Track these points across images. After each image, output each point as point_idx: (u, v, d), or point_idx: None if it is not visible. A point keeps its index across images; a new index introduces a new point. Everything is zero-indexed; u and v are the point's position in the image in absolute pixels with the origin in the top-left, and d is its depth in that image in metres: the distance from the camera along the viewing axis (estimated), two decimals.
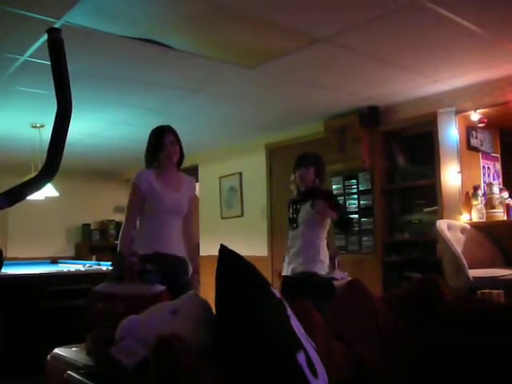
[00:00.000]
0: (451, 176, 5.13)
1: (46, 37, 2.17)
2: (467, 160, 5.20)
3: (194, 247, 3.95)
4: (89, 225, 9.86)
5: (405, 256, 5.50)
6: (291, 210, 4.12)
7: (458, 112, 5.13)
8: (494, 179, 5.41)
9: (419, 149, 5.65)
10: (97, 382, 1.65)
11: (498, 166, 5.59)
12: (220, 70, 4.47)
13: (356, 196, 5.90)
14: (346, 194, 5.96)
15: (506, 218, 4.93)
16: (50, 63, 2.14)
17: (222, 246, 1.65)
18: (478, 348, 1.98)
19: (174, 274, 3.46)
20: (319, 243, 4.00)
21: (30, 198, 2.51)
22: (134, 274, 3.01)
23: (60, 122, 2.05)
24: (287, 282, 4.01)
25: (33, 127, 6.05)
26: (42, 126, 6.02)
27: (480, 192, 5.04)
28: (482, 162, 5.40)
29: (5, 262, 4.50)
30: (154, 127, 3.72)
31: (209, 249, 7.58)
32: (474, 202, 5.02)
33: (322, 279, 3.92)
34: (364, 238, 5.78)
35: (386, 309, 2.20)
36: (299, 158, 4.21)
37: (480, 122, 5.10)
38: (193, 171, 7.76)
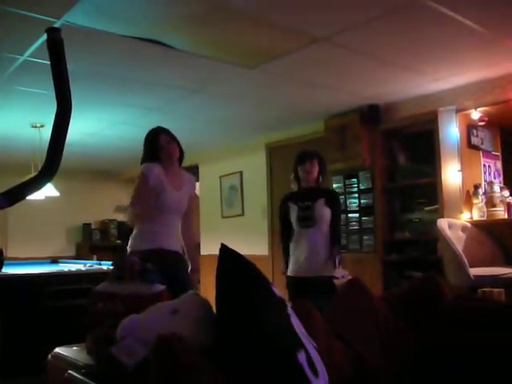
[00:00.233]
0: (452, 174, 5.13)
1: (45, 36, 2.17)
2: (468, 158, 5.19)
3: (193, 245, 4.00)
4: (89, 224, 9.86)
5: (405, 255, 5.50)
6: (300, 207, 4.09)
7: (458, 110, 5.12)
8: (494, 178, 5.41)
9: (420, 147, 5.65)
10: (97, 381, 1.65)
11: (499, 164, 5.59)
12: (220, 70, 4.47)
13: (356, 195, 5.89)
14: (347, 193, 5.95)
15: (506, 216, 4.93)
16: (49, 63, 2.13)
17: (222, 245, 1.65)
18: (479, 347, 1.98)
19: (175, 271, 3.49)
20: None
21: (30, 197, 2.51)
22: (134, 274, 3.00)
23: (60, 121, 2.05)
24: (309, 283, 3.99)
25: (33, 127, 6.05)
26: (41, 126, 6.02)
27: (481, 190, 5.04)
28: (482, 160, 5.40)
29: (5, 262, 4.51)
30: (147, 132, 3.74)
31: (209, 248, 7.59)
32: (475, 201, 5.01)
33: (323, 278, 3.93)
34: (364, 237, 5.78)
35: (387, 308, 2.19)
36: (302, 153, 4.26)
37: (480, 120, 5.10)
38: (193, 170, 7.76)
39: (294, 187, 4.31)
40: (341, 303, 2.26)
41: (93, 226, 9.91)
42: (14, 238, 8.71)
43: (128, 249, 3.67)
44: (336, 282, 3.84)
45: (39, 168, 2.21)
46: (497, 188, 5.02)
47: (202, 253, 8.00)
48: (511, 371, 1.90)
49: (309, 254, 4.00)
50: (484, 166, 5.40)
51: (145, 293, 2.67)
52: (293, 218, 4.12)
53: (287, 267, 4.17)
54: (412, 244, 5.50)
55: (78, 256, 9.16)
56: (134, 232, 3.70)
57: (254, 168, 7.35)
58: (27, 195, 2.03)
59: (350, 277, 3.80)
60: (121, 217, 10.17)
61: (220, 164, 7.99)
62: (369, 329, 2.06)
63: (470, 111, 5.10)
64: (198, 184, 8.48)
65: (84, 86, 4.64)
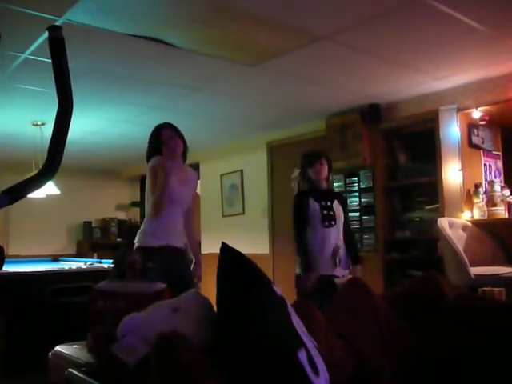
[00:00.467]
0: (452, 174, 5.13)
1: (46, 34, 2.17)
2: (468, 158, 5.19)
3: (195, 241, 4.06)
4: (90, 222, 9.86)
5: (406, 254, 5.50)
6: (322, 206, 4.07)
7: (459, 109, 5.12)
8: (495, 177, 5.41)
9: (420, 146, 5.65)
10: (98, 379, 1.66)
11: (500, 163, 5.59)
12: (221, 68, 4.47)
13: (357, 194, 5.89)
14: (348, 192, 5.95)
15: (507, 215, 4.93)
16: (51, 61, 2.13)
17: (223, 243, 1.65)
18: (480, 346, 1.98)
19: (179, 268, 3.60)
20: None
21: (31, 195, 2.51)
22: (135, 272, 3.01)
23: (61, 119, 2.05)
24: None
25: (34, 125, 6.06)
26: (43, 124, 6.02)
27: (481, 190, 5.04)
28: (483, 159, 5.40)
29: (6, 260, 4.50)
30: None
31: (210, 247, 7.58)
32: (476, 200, 5.01)
33: (324, 277, 3.93)
34: (365, 236, 5.78)
35: (388, 307, 2.20)
36: (310, 155, 4.25)
37: (481, 119, 5.09)
38: (194, 169, 7.76)
39: (294, 186, 4.32)
40: (342, 302, 2.26)
41: (93, 224, 9.91)
42: (15, 235, 8.71)
43: (136, 243, 3.67)
44: (337, 280, 3.84)
45: (40, 166, 2.21)
46: (497, 187, 5.02)
47: (202, 251, 7.98)
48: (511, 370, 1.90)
49: (331, 253, 4.00)
50: (485, 165, 5.40)
51: (145, 291, 2.67)
52: (314, 216, 4.03)
53: (308, 267, 4.00)
54: (413, 243, 5.50)
55: (79, 254, 9.16)
56: (142, 227, 3.71)
57: (255, 166, 7.35)
58: (28, 193, 2.03)
59: (350, 276, 3.81)
60: (121, 215, 10.18)
61: (221, 162, 7.99)
62: (370, 327, 2.06)
63: (471, 110, 5.09)
64: (198, 182, 8.49)
65: (85, 84, 4.65)
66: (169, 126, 3.71)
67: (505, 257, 4.71)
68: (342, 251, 4.06)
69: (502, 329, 1.99)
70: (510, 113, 5.07)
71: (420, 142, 5.66)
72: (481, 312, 2.13)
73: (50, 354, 2.10)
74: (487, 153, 5.44)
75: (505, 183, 5.30)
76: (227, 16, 3.47)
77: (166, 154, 3.62)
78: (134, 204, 10.07)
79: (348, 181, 5.98)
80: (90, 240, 9.70)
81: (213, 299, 1.70)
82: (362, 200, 5.86)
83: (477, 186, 5.04)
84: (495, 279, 4.13)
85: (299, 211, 4.11)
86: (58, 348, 2.11)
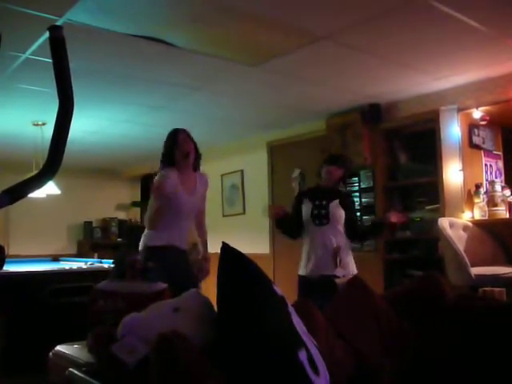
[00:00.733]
0: (453, 174, 5.12)
1: (47, 34, 2.17)
2: (469, 158, 5.19)
3: (205, 238, 4.35)
4: (90, 222, 9.86)
5: (406, 254, 5.50)
6: (315, 205, 4.09)
7: (459, 109, 5.11)
8: (496, 177, 5.40)
9: (421, 146, 5.64)
10: (98, 379, 1.66)
11: (500, 163, 5.58)
12: (222, 68, 4.47)
13: (358, 194, 5.89)
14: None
15: (508, 215, 4.92)
16: (51, 61, 2.13)
17: (223, 243, 1.65)
18: (480, 346, 1.98)
19: (182, 267, 3.75)
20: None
21: (31, 195, 2.51)
22: (135, 272, 3.01)
23: (62, 119, 2.05)
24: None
25: (34, 125, 6.06)
26: (43, 124, 6.02)
27: (482, 190, 5.04)
28: (484, 159, 5.39)
29: (6, 260, 4.50)
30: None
31: (210, 246, 7.55)
32: (476, 200, 5.01)
33: (324, 277, 3.93)
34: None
35: (388, 307, 2.20)
36: (334, 156, 4.31)
37: (482, 119, 5.09)
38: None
39: (294, 186, 4.32)
40: (342, 302, 2.26)
41: (94, 224, 9.91)
42: (15, 235, 8.71)
43: (140, 246, 3.78)
44: (337, 280, 3.84)
45: (41, 166, 2.21)
46: (498, 187, 5.01)
47: None
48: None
49: (323, 253, 4.00)
50: (485, 165, 5.39)
51: (146, 291, 2.67)
52: (305, 214, 4.10)
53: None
54: (413, 243, 5.50)
55: (79, 254, 9.16)
56: (147, 231, 3.82)
57: (256, 166, 7.35)
58: (28, 193, 2.03)
59: (351, 276, 3.81)
60: (122, 215, 10.18)
61: (221, 162, 7.98)
62: (370, 327, 2.06)
63: (472, 110, 5.09)
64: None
65: (86, 83, 4.65)
66: (184, 131, 3.86)
67: (505, 257, 4.71)
68: (342, 251, 4.05)
69: (502, 329, 1.99)
70: (511, 113, 5.06)
71: (420, 142, 5.66)
72: (481, 312, 2.13)
73: (51, 353, 2.10)
74: (488, 153, 5.44)
75: (505, 183, 5.29)
76: (228, 16, 3.47)
77: (179, 159, 3.71)
78: (134, 204, 10.07)
79: (348, 181, 5.97)
80: (90, 240, 9.70)
81: (213, 299, 1.70)
82: (363, 200, 5.86)
83: (477, 186, 5.03)
84: (496, 279, 4.13)
85: (292, 205, 4.31)
86: (58, 348, 2.11)
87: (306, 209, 4.10)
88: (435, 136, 5.25)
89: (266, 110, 5.98)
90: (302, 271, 4.11)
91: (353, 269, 4.05)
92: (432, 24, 3.65)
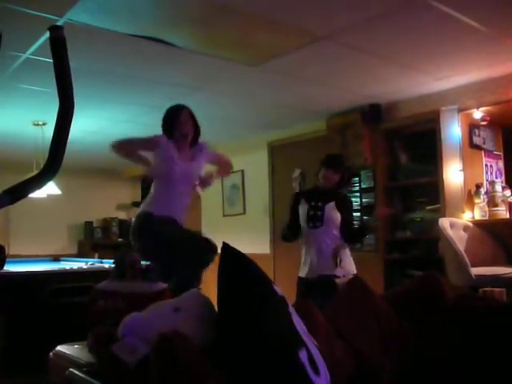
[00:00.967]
0: (453, 174, 5.12)
1: (48, 34, 2.17)
2: (470, 158, 5.19)
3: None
4: (91, 222, 9.86)
5: (407, 254, 5.50)
6: (311, 206, 4.07)
7: (460, 110, 5.12)
8: (496, 177, 5.40)
9: (421, 146, 5.64)
10: (99, 379, 1.66)
11: (501, 163, 5.58)
12: (222, 68, 4.47)
13: (358, 194, 5.90)
14: (349, 192, 5.94)
15: (508, 216, 4.92)
16: (52, 61, 2.13)
17: (224, 243, 1.65)
18: (480, 346, 1.98)
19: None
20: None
21: (32, 195, 2.51)
22: (135, 272, 3.01)
23: (62, 119, 2.05)
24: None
25: (35, 125, 6.06)
26: (44, 124, 6.02)
27: (482, 190, 5.04)
28: (484, 160, 5.39)
29: (7, 260, 4.50)
30: (169, 106, 3.80)
31: None
32: (477, 200, 5.01)
33: (324, 277, 3.93)
34: (366, 236, 5.78)
35: (388, 307, 2.20)
36: (332, 158, 4.23)
37: (482, 119, 5.09)
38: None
39: (295, 186, 4.31)
40: (342, 302, 2.26)
41: (94, 224, 9.91)
42: (15, 235, 8.71)
43: (141, 208, 3.77)
44: (337, 280, 3.84)
45: (41, 166, 2.21)
46: (498, 188, 5.01)
47: None
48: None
49: (319, 255, 4.00)
50: (486, 165, 5.39)
51: (146, 291, 2.68)
52: (302, 215, 4.10)
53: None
54: (413, 243, 5.50)
55: (80, 254, 9.16)
56: (148, 198, 3.79)
57: (256, 166, 7.35)
58: (29, 193, 2.04)
59: (351, 276, 3.80)
60: (122, 215, 10.18)
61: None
62: (370, 327, 2.06)
63: (472, 111, 5.09)
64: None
65: (86, 83, 4.65)
66: (186, 110, 3.74)
67: (505, 257, 4.71)
68: (342, 252, 4.05)
69: (502, 329, 1.99)
70: (511, 113, 5.06)
71: (421, 142, 5.66)
72: (481, 312, 2.13)
73: (51, 353, 2.10)
74: (488, 153, 5.43)
75: (506, 183, 5.29)
76: (228, 16, 3.47)
77: (178, 137, 3.67)
78: (134, 204, 10.05)
79: (348, 182, 5.97)
80: (90, 240, 9.69)
81: (213, 299, 1.70)
82: (363, 200, 5.86)
83: (478, 187, 5.03)
84: (496, 279, 4.13)
85: (291, 204, 4.28)
86: (58, 348, 2.11)
87: (303, 210, 4.09)
88: (436, 136, 5.25)
89: (267, 110, 5.98)
90: (300, 273, 4.12)
91: (352, 269, 4.04)
92: (432, 24, 3.65)
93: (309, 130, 6.41)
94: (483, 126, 5.25)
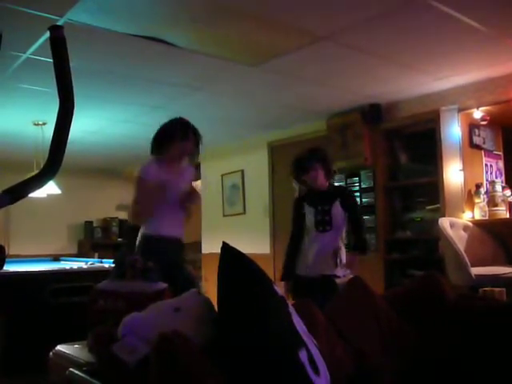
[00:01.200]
0: (453, 174, 5.12)
1: (48, 34, 2.17)
2: (470, 158, 5.19)
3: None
4: (91, 222, 9.86)
5: (407, 254, 5.50)
6: (318, 211, 4.05)
7: (460, 110, 5.12)
8: (496, 177, 5.40)
9: (421, 146, 5.64)
10: (98, 379, 1.66)
11: (501, 163, 5.58)
12: (222, 68, 4.47)
13: (358, 194, 5.89)
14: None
15: (508, 215, 4.92)
16: (52, 61, 2.13)
17: (224, 243, 1.65)
18: (480, 346, 1.98)
19: (180, 260, 3.79)
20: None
21: (32, 195, 2.51)
22: (136, 272, 3.01)
23: (62, 119, 2.05)
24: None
25: (35, 125, 6.06)
26: (44, 124, 6.02)
27: (482, 190, 5.04)
28: (484, 159, 5.39)
29: (7, 260, 4.50)
30: (178, 118, 3.77)
31: (211, 246, 7.60)
32: (477, 200, 5.01)
33: (325, 277, 3.93)
34: (366, 236, 5.77)
35: (388, 306, 2.20)
36: (301, 162, 4.17)
37: (482, 119, 5.09)
38: (195, 169, 7.77)
39: (295, 186, 4.30)
40: (342, 301, 2.26)
41: (94, 224, 9.91)
42: (15, 235, 8.71)
43: (146, 233, 3.75)
44: (338, 280, 3.84)
45: (41, 166, 2.21)
46: (498, 187, 5.02)
47: (203, 251, 8.01)
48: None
49: (318, 255, 3.99)
50: (486, 165, 5.39)
51: (146, 291, 2.67)
52: (309, 220, 4.08)
53: (287, 272, 4.15)
54: (413, 243, 5.50)
55: (80, 254, 9.16)
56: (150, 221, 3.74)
57: (256, 166, 7.35)
58: (29, 193, 2.03)
59: (351, 275, 3.81)
60: (122, 215, 10.17)
61: (222, 162, 7.98)
62: (370, 327, 2.06)
63: (472, 110, 5.09)
64: (199, 182, 8.48)
65: (86, 83, 4.65)
66: (193, 130, 3.74)
67: (505, 257, 4.71)
68: (342, 252, 4.06)
69: (502, 329, 1.99)
70: (511, 113, 5.06)
71: (421, 142, 5.66)
72: (481, 312, 2.13)
73: (51, 353, 2.10)
74: (488, 153, 5.44)
75: (506, 183, 5.29)
76: (228, 16, 3.47)
77: (175, 155, 3.64)
78: None
79: (349, 181, 5.98)
80: (90, 240, 9.70)
81: (214, 299, 1.70)
82: (363, 200, 5.86)
83: (478, 186, 5.04)
84: (496, 279, 4.13)
85: (293, 215, 4.26)
86: (58, 348, 2.11)
87: (310, 216, 4.08)
88: (436, 136, 5.25)
89: (267, 110, 5.98)
90: (298, 270, 4.10)
91: (334, 269, 4.02)
92: (432, 24, 3.65)
93: (309, 130, 6.41)
94: (483, 125, 5.25)
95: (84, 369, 1.78)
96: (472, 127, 5.22)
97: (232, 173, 7.77)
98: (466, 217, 5.02)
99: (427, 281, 2.37)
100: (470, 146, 5.22)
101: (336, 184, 4.38)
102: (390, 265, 5.58)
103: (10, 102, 5.36)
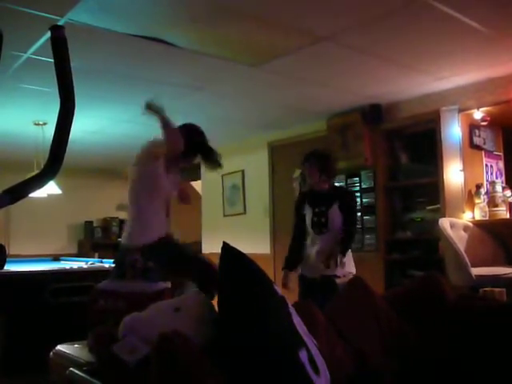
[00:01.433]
0: (454, 174, 5.12)
1: (49, 34, 2.18)
2: (470, 158, 5.19)
3: None
4: (91, 222, 9.86)
5: (407, 254, 5.49)
6: (315, 213, 4.06)
7: (460, 110, 5.11)
8: (496, 177, 5.40)
9: (422, 147, 5.64)
10: (99, 378, 1.66)
11: (501, 164, 5.58)
12: (222, 68, 4.47)
13: (358, 194, 5.89)
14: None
15: (508, 216, 4.92)
16: (53, 61, 2.14)
17: (224, 243, 1.65)
18: (480, 346, 1.98)
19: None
20: None
21: (32, 195, 2.51)
22: (136, 272, 3.01)
23: (63, 119, 2.05)
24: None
25: (35, 124, 6.06)
26: (44, 124, 6.02)
27: (483, 190, 5.04)
28: (484, 160, 5.39)
29: (7, 259, 4.50)
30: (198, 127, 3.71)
31: (211, 246, 7.60)
32: (477, 201, 5.01)
33: (325, 277, 3.93)
34: (366, 236, 5.78)
35: (388, 306, 2.20)
36: (305, 154, 4.21)
37: (483, 120, 5.09)
38: (195, 169, 7.76)
39: (295, 186, 4.30)
40: (342, 302, 2.26)
41: (95, 224, 9.91)
42: (16, 235, 8.72)
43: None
44: (338, 280, 3.84)
45: (42, 166, 2.21)
46: (499, 188, 5.01)
47: (203, 251, 8.00)
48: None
49: (318, 256, 4.00)
50: (486, 165, 5.39)
51: (147, 291, 2.68)
52: (307, 220, 4.10)
53: (289, 266, 4.15)
54: (414, 243, 5.50)
55: (80, 254, 9.16)
56: (138, 224, 3.48)
57: (256, 167, 7.35)
58: (29, 193, 2.04)
59: (351, 276, 3.81)
60: (122, 215, 10.16)
61: (222, 162, 7.96)
62: (370, 327, 2.06)
63: (473, 111, 5.09)
64: (199, 182, 8.48)
65: (86, 83, 4.64)
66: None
67: (506, 257, 4.71)
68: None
69: (502, 329, 1.99)
70: (511, 113, 5.06)
71: (421, 142, 5.66)
72: (481, 312, 2.13)
73: (51, 353, 2.10)
74: (488, 153, 5.43)
75: (506, 184, 5.29)
76: (229, 16, 3.47)
77: (186, 160, 3.60)
78: None
79: (349, 181, 5.98)
80: (91, 240, 9.70)
81: (214, 299, 1.70)
82: (363, 200, 5.86)
83: (478, 187, 5.03)
84: (496, 279, 4.13)
85: (295, 214, 4.26)
86: (59, 347, 2.11)
87: (308, 216, 4.10)
88: (436, 136, 5.25)
89: (267, 111, 5.98)
90: (301, 270, 4.12)
91: (352, 269, 4.04)
92: (433, 25, 3.65)
93: (309, 130, 6.41)
94: (483, 126, 5.25)
95: (84, 369, 1.78)
96: (472, 127, 5.22)
97: (232, 173, 7.76)
98: (467, 217, 5.02)
99: (427, 281, 2.37)
100: (470, 147, 5.21)
101: (337, 185, 4.35)
102: (390, 265, 5.57)
103: (11, 101, 5.36)
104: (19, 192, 1.92)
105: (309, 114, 6.07)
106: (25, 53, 3.97)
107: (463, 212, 5.04)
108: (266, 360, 1.43)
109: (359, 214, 5.82)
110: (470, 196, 5.08)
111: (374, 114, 5.67)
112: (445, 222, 4.63)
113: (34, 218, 8.82)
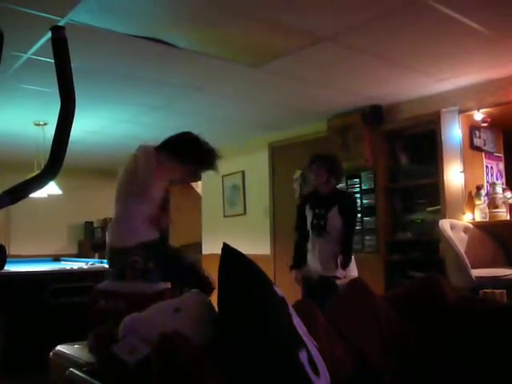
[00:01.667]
0: (454, 175, 5.12)
1: (49, 34, 2.17)
2: (470, 159, 5.18)
3: None
4: (91, 222, 9.87)
5: (407, 255, 5.49)
6: (315, 215, 4.09)
7: (461, 111, 5.11)
8: (497, 179, 5.39)
9: (422, 148, 5.64)
10: (99, 379, 1.66)
11: (501, 165, 5.58)
12: (222, 69, 4.47)
13: (359, 195, 5.89)
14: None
15: (508, 217, 4.92)
16: (53, 61, 2.13)
17: (224, 244, 1.65)
18: (480, 347, 1.98)
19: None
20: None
21: (32, 195, 2.51)
22: (136, 273, 3.01)
23: (63, 119, 2.05)
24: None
25: (36, 125, 6.06)
26: (45, 124, 6.02)
27: (483, 192, 5.03)
28: (485, 161, 5.39)
29: (7, 260, 4.50)
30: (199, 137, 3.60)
31: (211, 247, 7.60)
32: (477, 202, 5.01)
33: (325, 278, 3.94)
34: (366, 237, 5.78)
35: (388, 307, 2.20)
36: (315, 156, 4.24)
37: (483, 121, 5.09)
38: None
39: (296, 187, 4.32)
40: (343, 302, 2.26)
41: (95, 224, 9.92)
42: (16, 235, 8.72)
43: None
44: (338, 281, 3.85)
45: (42, 166, 2.21)
46: (499, 189, 5.01)
47: (203, 252, 8.01)
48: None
49: (318, 262, 4.02)
50: (486, 167, 5.39)
51: (147, 291, 2.68)
52: (308, 222, 4.15)
53: (297, 264, 4.22)
54: (414, 244, 5.50)
55: (80, 254, 9.17)
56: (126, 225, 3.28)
57: (257, 167, 7.35)
58: (30, 193, 2.03)
59: (351, 277, 3.81)
60: None
61: (222, 163, 7.89)
62: (370, 328, 2.06)
63: (473, 112, 5.09)
64: (200, 183, 8.48)
65: (87, 84, 4.65)
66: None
67: (506, 259, 4.71)
68: (329, 259, 4.06)
69: (502, 330, 1.99)
70: None
71: (422, 143, 5.66)
72: (481, 313, 2.13)
73: (51, 353, 2.10)
74: (489, 155, 5.43)
75: (506, 185, 5.29)
76: (229, 17, 3.47)
77: (173, 174, 3.56)
78: None
79: (349, 182, 5.98)
80: (91, 240, 9.70)
81: (214, 299, 1.70)
82: (364, 201, 5.86)
83: (478, 188, 5.03)
84: (496, 281, 4.13)
85: (297, 216, 4.31)
86: (59, 348, 2.11)
87: (308, 217, 4.14)
88: (436, 138, 5.25)
89: (267, 111, 5.98)
90: (303, 271, 4.13)
91: (354, 273, 4.04)
92: (433, 26, 3.65)
93: (309, 131, 6.41)
94: (484, 127, 5.25)
95: (84, 369, 1.78)
96: (473, 129, 5.22)
97: (232, 174, 7.76)
98: (467, 218, 5.02)
99: (427, 282, 2.37)
100: (470, 148, 5.21)
101: (339, 188, 4.36)
102: (391, 266, 5.57)
103: (11, 102, 5.36)
104: (19, 192, 1.91)
105: (309, 115, 6.08)
106: (25, 53, 3.97)
107: (463, 213, 5.04)
108: (265, 360, 1.43)
109: (359, 215, 5.82)
110: (471, 197, 5.08)
111: (374, 114, 5.67)
112: (445, 224, 4.63)
113: (35, 218, 8.82)
